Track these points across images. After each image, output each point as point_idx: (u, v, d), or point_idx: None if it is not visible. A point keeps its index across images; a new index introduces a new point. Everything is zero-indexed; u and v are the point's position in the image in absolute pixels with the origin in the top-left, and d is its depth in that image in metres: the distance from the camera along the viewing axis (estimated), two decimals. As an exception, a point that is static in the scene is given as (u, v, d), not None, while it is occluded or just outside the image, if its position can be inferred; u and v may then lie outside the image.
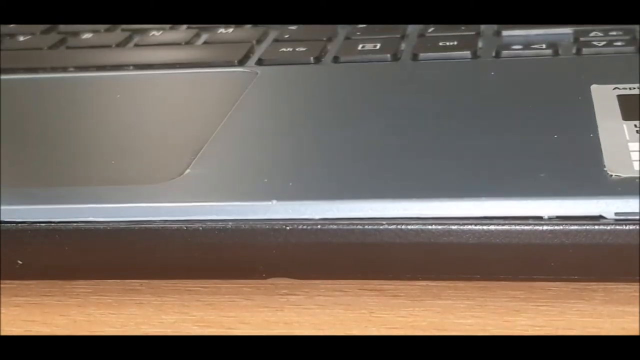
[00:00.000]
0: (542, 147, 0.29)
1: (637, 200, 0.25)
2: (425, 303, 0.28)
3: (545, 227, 0.26)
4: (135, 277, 0.30)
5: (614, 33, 0.38)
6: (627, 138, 0.29)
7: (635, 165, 0.27)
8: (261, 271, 0.28)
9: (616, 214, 0.25)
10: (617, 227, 0.25)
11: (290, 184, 0.28)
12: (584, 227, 0.25)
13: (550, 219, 0.26)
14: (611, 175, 0.27)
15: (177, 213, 0.27)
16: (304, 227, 0.27)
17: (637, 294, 0.27)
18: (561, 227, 0.26)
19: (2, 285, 0.30)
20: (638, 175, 0.26)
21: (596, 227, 0.25)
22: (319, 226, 0.27)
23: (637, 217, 0.25)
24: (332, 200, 0.27)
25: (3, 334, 0.28)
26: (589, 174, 0.27)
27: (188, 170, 0.29)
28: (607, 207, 0.25)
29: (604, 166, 0.27)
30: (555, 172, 0.27)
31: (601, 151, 0.28)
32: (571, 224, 0.26)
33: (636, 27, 0.39)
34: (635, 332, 0.26)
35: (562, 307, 0.27)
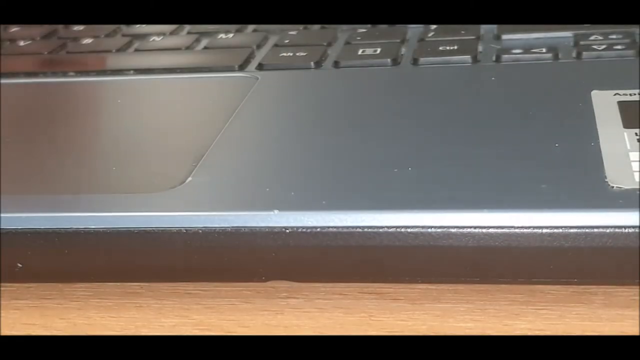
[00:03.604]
0: (544, 156, 0.29)
1: (637, 214, 0.25)
2: (425, 306, 0.28)
3: (544, 231, 0.26)
4: (135, 280, 0.30)
5: (614, 36, 0.38)
6: (628, 147, 0.29)
7: (636, 176, 0.27)
8: (261, 274, 0.28)
9: (617, 227, 0.25)
10: (617, 230, 0.25)
11: (292, 193, 0.28)
12: (584, 231, 0.25)
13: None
14: (612, 187, 0.26)
15: (178, 222, 0.27)
16: (304, 230, 0.27)
17: (637, 298, 0.27)
18: (560, 231, 0.26)
19: (2, 288, 0.30)
20: (638, 187, 0.26)
21: (595, 230, 0.25)
22: (318, 229, 0.27)
23: (638, 231, 0.25)
24: (333, 211, 0.27)
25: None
26: (590, 186, 0.27)
27: (190, 179, 0.29)
28: (608, 220, 0.25)
29: (605, 177, 0.27)
30: (557, 184, 0.27)
31: (602, 161, 0.28)
32: (570, 227, 0.26)
33: (636, 30, 0.39)
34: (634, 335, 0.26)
35: (562, 310, 0.27)
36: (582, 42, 0.38)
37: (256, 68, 0.40)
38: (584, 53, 0.37)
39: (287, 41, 0.43)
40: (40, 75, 0.42)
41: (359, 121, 0.33)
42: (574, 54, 0.38)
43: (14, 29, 0.49)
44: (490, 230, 0.26)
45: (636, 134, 0.29)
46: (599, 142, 0.29)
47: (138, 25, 0.48)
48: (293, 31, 0.44)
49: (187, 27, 0.47)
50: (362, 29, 0.44)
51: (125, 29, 0.48)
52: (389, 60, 0.39)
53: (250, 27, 0.46)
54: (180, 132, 0.34)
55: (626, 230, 0.25)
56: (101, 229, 0.28)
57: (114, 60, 0.43)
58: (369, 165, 0.29)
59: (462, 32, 0.41)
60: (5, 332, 0.28)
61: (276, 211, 0.27)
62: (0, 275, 0.29)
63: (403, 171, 0.29)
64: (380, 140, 0.31)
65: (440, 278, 0.28)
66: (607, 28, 0.39)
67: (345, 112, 0.35)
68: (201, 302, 0.29)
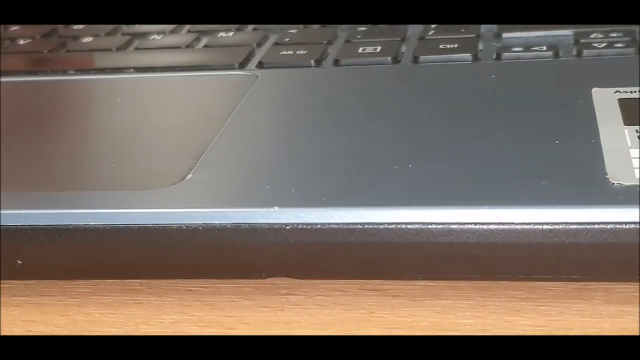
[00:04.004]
0: (544, 153, 0.29)
1: (638, 210, 0.25)
2: (425, 303, 0.28)
3: (545, 227, 0.26)
4: (135, 277, 0.30)
5: (615, 34, 0.38)
6: (629, 144, 0.29)
7: (637, 172, 0.27)
8: (261, 271, 0.28)
9: (617, 223, 0.25)
10: (617, 226, 0.25)
11: (292, 190, 0.28)
12: (584, 227, 0.25)
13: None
14: (613, 184, 0.26)
15: (178, 219, 0.27)
16: (304, 227, 0.27)
17: (637, 294, 0.27)
18: (561, 227, 0.26)
19: (1, 285, 0.30)
20: (639, 184, 0.26)
21: (596, 226, 0.25)
22: (318, 226, 0.27)
23: (638, 227, 0.25)
24: (333, 207, 0.27)
25: (3, 334, 0.28)
26: (590, 182, 0.27)
27: (190, 175, 0.29)
28: (609, 216, 0.25)
29: (606, 174, 0.27)
30: (557, 180, 0.27)
31: (603, 158, 0.28)
32: (571, 224, 0.26)
33: (636, 28, 0.39)
34: (635, 332, 0.26)
35: (562, 307, 0.27)
36: (582, 40, 0.38)
37: (256, 66, 0.40)
38: (585, 51, 0.37)
39: (287, 39, 0.43)
40: (40, 74, 0.42)
41: (359, 119, 0.33)
42: (574, 52, 0.38)
43: (14, 27, 0.49)
44: (491, 226, 0.26)
45: (637, 130, 0.29)
46: (599, 139, 0.29)
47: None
48: (293, 29, 0.44)
49: (187, 26, 0.47)
50: (362, 27, 0.44)
51: (125, 27, 0.48)
52: (389, 58, 0.39)
53: (251, 25, 0.46)
54: (180, 130, 0.34)
55: (626, 227, 0.25)
56: (101, 226, 0.28)
57: (114, 59, 0.43)
58: (369, 162, 0.29)
59: (463, 30, 0.41)
60: (5, 329, 0.28)
61: (276, 208, 0.27)
62: (0, 272, 0.29)
63: (403, 168, 0.29)
64: (380, 137, 0.31)
65: (440, 275, 0.28)
66: (607, 26, 0.39)
67: (346, 109, 0.35)
68: (201, 299, 0.29)
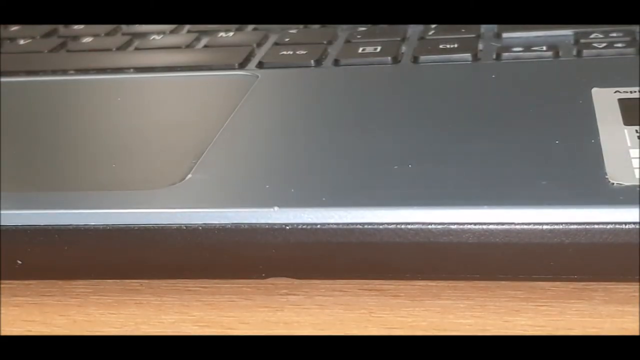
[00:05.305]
0: (544, 153, 0.29)
1: (638, 210, 0.25)
2: (425, 303, 0.28)
3: (544, 227, 0.26)
4: (135, 277, 0.30)
5: (615, 34, 0.38)
6: (629, 144, 0.29)
7: (637, 172, 0.27)
8: (261, 271, 0.28)
9: (617, 223, 0.25)
10: (617, 226, 0.25)
11: (292, 190, 0.28)
12: (584, 227, 0.25)
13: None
14: (612, 184, 0.26)
15: (178, 219, 0.27)
16: (304, 227, 0.27)
17: (637, 294, 0.27)
18: (561, 227, 0.26)
19: (1, 285, 0.30)
20: (639, 184, 0.26)
21: (596, 226, 0.25)
22: (318, 226, 0.27)
23: (638, 227, 0.25)
24: (333, 207, 0.27)
25: (3, 334, 0.28)
26: (590, 183, 0.27)
27: (189, 175, 0.29)
28: (608, 216, 0.25)
29: (606, 174, 0.27)
30: (557, 180, 0.27)
31: (602, 158, 0.28)
32: (571, 224, 0.26)
33: (636, 28, 0.39)
34: (635, 332, 0.26)
35: (562, 307, 0.27)
36: (582, 40, 0.38)
37: (256, 66, 0.40)
38: (585, 51, 0.37)
39: (287, 39, 0.43)
40: (40, 74, 0.42)
41: (359, 118, 0.33)
42: (574, 52, 0.38)
43: (14, 27, 0.49)
44: (491, 226, 0.26)
45: (636, 131, 0.29)
46: (599, 139, 0.29)
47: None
48: (293, 29, 0.44)
49: (187, 26, 0.47)
50: (362, 28, 0.44)
51: (125, 27, 0.48)
52: (389, 58, 0.39)
53: (251, 25, 0.46)
54: (180, 130, 0.34)
55: (626, 227, 0.25)
56: (101, 226, 0.28)
57: (114, 59, 0.43)
58: (368, 162, 0.29)
59: (463, 30, 0.41)
60: (5, 329, 0.28)
61: (276, 208, 0.27)
62: (0, 272, 0.29)
63: (403, 168, 0.29)
64: (380, 137, 0.31)
65: (440, 274, 0.28)
66: (607, 26, 0.39)
67: (346, 109, 0.35)
68: (201, 299, 0.29)
